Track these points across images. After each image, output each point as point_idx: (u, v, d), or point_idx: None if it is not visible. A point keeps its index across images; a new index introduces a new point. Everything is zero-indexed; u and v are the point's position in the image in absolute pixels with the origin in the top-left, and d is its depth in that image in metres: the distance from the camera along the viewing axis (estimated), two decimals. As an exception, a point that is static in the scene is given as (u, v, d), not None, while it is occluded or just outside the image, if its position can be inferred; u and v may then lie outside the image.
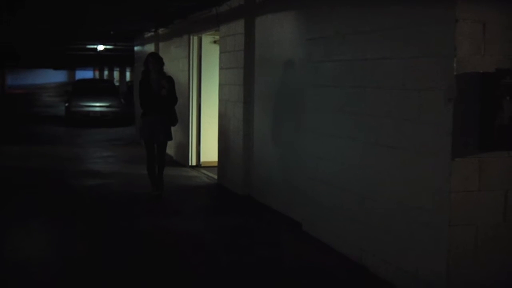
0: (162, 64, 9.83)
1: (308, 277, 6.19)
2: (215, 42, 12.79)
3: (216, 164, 11.70)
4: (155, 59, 9.78)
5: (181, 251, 7.05)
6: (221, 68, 11.14)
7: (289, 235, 7.72)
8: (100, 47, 23.81)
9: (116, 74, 48.16)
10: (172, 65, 14.77)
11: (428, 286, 5.37)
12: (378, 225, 6.11)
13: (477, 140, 5.11)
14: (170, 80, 9.77)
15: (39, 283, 5.95)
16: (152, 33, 17.19)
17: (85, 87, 27.01)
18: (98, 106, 24.72)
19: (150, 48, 17.67)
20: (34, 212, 8.81)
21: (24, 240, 7.41)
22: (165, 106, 9.68)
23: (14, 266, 6.40)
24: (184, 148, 13.69)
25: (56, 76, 54.73)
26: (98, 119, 24.45)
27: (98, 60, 36.58)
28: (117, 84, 40.81)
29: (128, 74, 44.80)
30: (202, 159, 13.44)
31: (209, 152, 13.00)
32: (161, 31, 16.36)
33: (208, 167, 12.87)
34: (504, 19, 5.14)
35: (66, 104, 25.33)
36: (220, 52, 11.18)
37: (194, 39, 13.31)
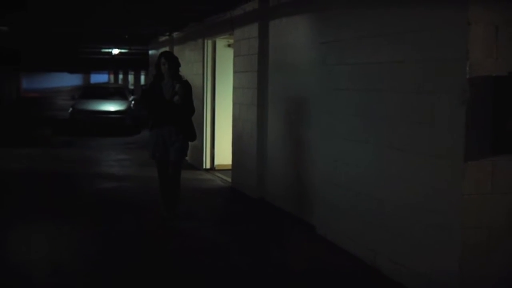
0: (178, 65, 8.27)
1: (321, 279, 6.24)
2: (229, 45, 12.85)
3: (230, 167, 11.76)
4: (169, 59, 8.15)
5: (194, 253, 7.09)
6: (235, 72, 11.20)
7: (303, 238, 7.76)
8: (115, 51, 23.98)
9: (130, 77, 48.36)
10: (187, 69, 14.81)
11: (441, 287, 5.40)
12: (392, 228, 6.14)
13: (490, 143, 5.13)
14: (186, 85, 8.09)
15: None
16: (167, 37, 17.29)
17: (92, 93, 24.94)
18: (102, 113, 22.37)
19: (164, 51, 17.76)
20: (48, 214, 8.90)
21: (45, 241, 7.50)
22: (179, 116, 8.09)
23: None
24: (198, 151, 13.75)
25: (71, 80, 55.05)
26: (102, 127, 22.13)
27: (113, 64, 36.81)
28: (131, 87, 40.98)
29: (142, 78, 44.98)
30: (216, 162, 13.50)
31: (224, 155, 13.05)
32: (175, 34, 16.45)
33: (223, 170, 12.92)
34: (516, 22, 5.17)
35: (69, 111, 23.46)
36: (234, 56, 11.24)
37: (209, 43, 13.38)
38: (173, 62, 8.16)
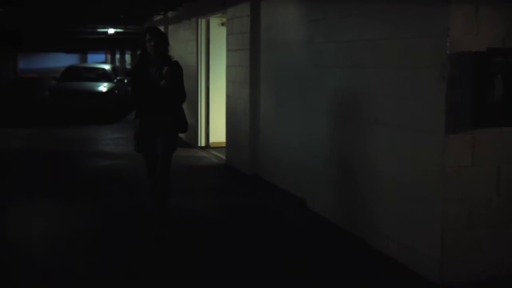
0: (166, 43, 6.90)
1: (310, 251, 6.43)
2: (222, 24, 12.97)
3: (225, 145, 11.92)
4: (155, 37, 6.69)
5: (189, 227, 7.29)
6: (228, 50, 11.33)
7: (292, 212, 7.96)
8: (111, 31, 24.03)
9: (128, 57, 48.38)
10: (181, 48, 14.99)
11: (425, 259, 5.57)
12: (377, 200, 6.33)
13: (470, 117, 5.29)
14: (176, 67, 6.75)
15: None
16: (162, 16, 17.38)
17: (73, 74, 22.34)
18: (80, 95, 20.05)
19: (159, 31, 17.85)
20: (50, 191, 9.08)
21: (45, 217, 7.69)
22: (168, 103, 6.74)
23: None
24: (193, 129, 13.90)
25: (68, 60, 54.97)
26: (82, 112, 19.89)
27: (109, 44, 36.84)
28: (128, 67, 40.95)
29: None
30: (211, 140, 13.68)
31: (218, 133, 13.20)
32: (170, 14, 16.54)
33: (217, 148, 13.09)
34: (495, 0, 5.31)
35: (46, 93, 21.23)
36: (227, 34, 11.37)
37: (202, 22, 13.50)
38: (161, 40, 6.74)
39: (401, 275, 5.71)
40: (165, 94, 6.62)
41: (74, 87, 20.49)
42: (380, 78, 6.22)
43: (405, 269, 5.76)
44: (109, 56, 54.48)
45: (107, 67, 24.27)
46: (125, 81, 21.61)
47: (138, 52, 7.12)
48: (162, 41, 6.78)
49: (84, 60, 57.11)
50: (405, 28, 5.80)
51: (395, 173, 6.00)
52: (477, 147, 5.36)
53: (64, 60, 50.23)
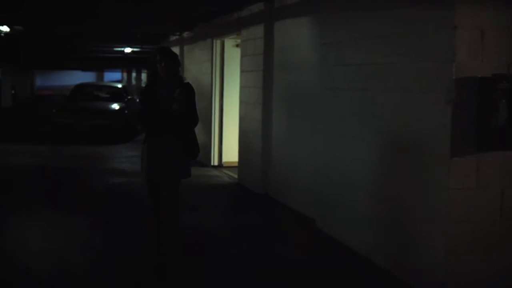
0: (177, 64, 6.56)
1: (317, 269, 6.54)
2: (237, 45, 13.15)
3: (237, 164, 12.07)
4: (166, 57, 6.40)
5: (197, 242, 7.41)
6: (242, 71, 11.51)
7: (302, 231, 8.08)
8: (127, 50, 24.29)
9: (144, 76, 48.66)
10: (196, 68, 15.22)
11: (429, 279, 5.68)
12: (384, 221, 6.45)
13: (475, 141, 5.42)
14: (188, 89, 6.44)
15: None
16: (177, 36, 17.60)
17: (83, 93, 21.86)
18: (87, 116, 19.16)
19: (175, 51, 18.07)
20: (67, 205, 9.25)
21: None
22: (179, 127, 6.37)
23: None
24: (206, 148, 14.07)
25: (85, 78, 55.24)
26: (87, 133, 19.24)
27: (125, 62, 37.14)
28: (144, 85, 41.09)
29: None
30: (224, 159, 13.83)
31: (231, 152, 13.33)
32: (186, 34, 16.76)
33: (230, 167, 13.22)
34: (501, 27, 5.45)
35: (53, 111, 20.09)
36: (241, 56, 11.55)
37: (217, 43, 13.69)
38: (172, 61, 6.43)
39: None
40: (177, 118, 6.28)
41: (81, 105, 19.87)
42: (388, 101, 6.36)
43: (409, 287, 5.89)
44: (125, 75, 54.84)
45: (118, 85, 23.76)
46: (137, 100, 20.87)
47: (148, 73, 6.77)
48: (173, 62, 6.44)
49: (101, 78, 57.47)
50: (413, 53, 5.94)
51: (399, 194, 6.12)
52: (481, 170, 5.48)
53: (80, 78, 50.51)
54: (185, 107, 6.28)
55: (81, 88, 22.60)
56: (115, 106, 19.82)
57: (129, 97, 21.52)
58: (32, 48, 24.22)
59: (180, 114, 6.27)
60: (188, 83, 6.62)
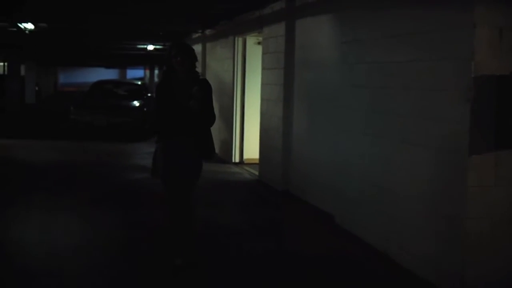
0: (194, 59, 6.24)
1: (335, 265, 6.62)
2: (259, 43, 13.21)
3: (258, 161, 12.16)
4: (183, 52, 6.13)
5: (218, 239, 7.52)
6: (263, 69, 11.59)
7: (321, 227, 8.16)
8: (150, 47, 24.45)
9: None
10: (218, 65, 15.33)
11: (447, 275, 5.73)
12: (402, 217, 6.50)
13: (493, 138, 5.46)
14: (205, 86, 6.20)
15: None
16: (200, 34, 17.70)
17: (101, 90, 21.63)
18: (105, 113, 18.90)
19: (197, 48, 18.18)
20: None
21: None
22: (196, 125, 6.16)
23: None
24: (228, 145, 14.19)
25: (108, 75, 55.73)
26: (105, 130, 18.95)
27: (148, 60, 37.37)
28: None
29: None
30: (245, 156, 13.94)
31: (252, 149, 13.42)
32: (208, 32, 16.86)
33: (251, 164, 13.33)
34: (520, 25, 5.49)
35: (71, 109, 19.61)
36: (263, 53, 11.63)
37: (239, 40, 13.78)
38: (188, 55, 6.14)
39: (423, 290, 5.89)
40: (193, 116, 6.05)
41: (99, 103, 19.63)
42: (408, 99, 6.42)
43: (426, 283, 5.93)
44: (148, 72, 55.15)
45: (137, 83, 23.50)
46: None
47: (163, 69, 6.14)
48: (190, 56, 6.15)
49: (124, 75, 57.84)
50: (432, 51, 5.99)
51: (420, 191, 6.18)
52: (499, 168, 5.52)
53: (103, 75, 50.92)
54: (202, 104, 6.03)
55: (99, 85, 22.31)
56: (134, 103, 19.66)
57: (148, 94, 21.44)
58: (55, 45, 24.45)
59: (197, 112, 6.02)
60: (205, 79, 6.43)
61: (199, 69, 6.82)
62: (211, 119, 6.28)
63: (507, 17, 5.46)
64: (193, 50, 6.29)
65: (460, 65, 5.53)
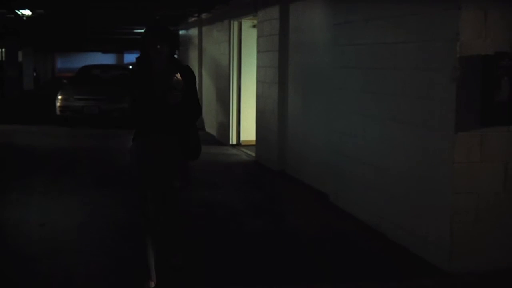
0: (175, 45, 5.37)
1: (331, 242, 6.85)
2: (254, 26, 13.37)
3: (255, 143, 12.37)
4: (161, 37, 5.16)
5: (217, 219, 7.74)
6: (258, 52, 11.77)
7: (316, 205, 8.38)
8: (147, 31, 24.52)
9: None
10: (214, 48, 15.50)
11: (436, 249, 5.95)
12: (394, 194, 6.71)
13: (479, 116, 5.66)
14: (188, 74, 5.29)
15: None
16: (196, 18, 17.84)
17: (88, 75, 20.36)
18: (97, 99, 17.90)
19: (194, 32, 18.38)
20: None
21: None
22: (177, 121, 5.26)
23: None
24: (225, 127, 14.39)
25: (105, 60, 55.87)
26: (97, 118, 18.06)
27: (145, 44, 37.44)
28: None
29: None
30: (242, 138, 14.14)
31: (249, 131, 13.63)
32: (204, 15, 16.99)
33: (248, 145, 13.53)
34: (504, 7, 5.66)
35: (58, 97, 18.30)
36: (258, 36, 11.81)
37: (235, 24, 13.94)
38: (169, 40, 5.20)
39: (413, 263, 6.09)
40: (175, 109, 5.14)
41: (89, 89, 18.42)
42: (398, 79, 6.62)
43: (418, 258, 6.14)
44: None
45: (127, 66, 22.18)
46: None
47: (138, 56, 5.33)
48: (171, 42, 5.23)
49: (121, 59, 57.96)
50: (420, 32, 6.18)
51: (409, 168, 6.39)
52: (485, 144, 5.72)
53: (101, 60, 51.08)
54: (184, 96, 5.12)
55: (87, 70, 21.19)
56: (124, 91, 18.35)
57: None
58: (52, 31, 24.57)
59: (179, 104, 5.10)
60: (187, 66, 5.52)
61: (193, 55, 6.53)
62: (196, 113, 5.43)
63: (492, -1, 5.66)
64: (174, 34, 5.43)
65: (446, 45, 5.72)
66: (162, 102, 5.10)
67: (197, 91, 5.61)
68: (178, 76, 5.10)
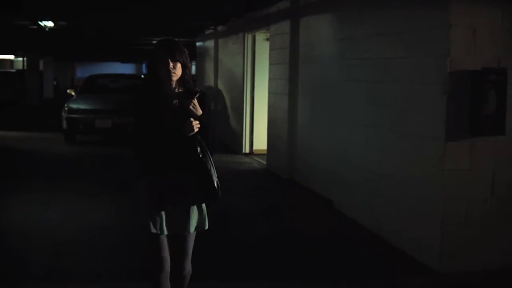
0: (187, 63, 4.39)
1: (331, 244, 7.32)
2: (267, 39, 13.83)
3: (266, 152, 12.86)
4: (173, 54, 4.32)
5: (229, 222, 8.18)
6: (270, 64, 12.26)
7: (320, 211, 8.86)
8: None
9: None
10: (229, 60, 16.02)
11: (428, 250, 6.38)
12: (391, 200, 7.16)
13: (467, 127, 6.10)
14: (203, 101, 4.39)
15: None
16: (212, 30, 18.34)
17: (98, 85, 18.51)
18: (108, 112, 15.97)
19: (210, 44, 18.89)
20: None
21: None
22: (192, 155, 4.31)
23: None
24: (238, 136, 14.87)
25: (124, 69, 56.53)
26: (109, 132, 16.25)
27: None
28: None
29: (193, 68, 46.07)
30: (255, 147, 14.62)
31: (261, 140, 14.07)
32: (220, 28, 17.48)
33: (260, 154, 14.00)
34: (492, 25, 6.11)
35: (65, 108, 16.41)
36: (270, 49, 12.31)
37: (249, 37, 14.44)
38: (183, 59, 4.35)
39: (408, 264, 6.54)
40: (188, 142, 4.29)
41: (101, 100, 16.68)
42: (395, 92, 7.08)
43: (412, 260, 6.58)
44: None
45: (139, 75, 19.95)
46: None
47: (146, 76, 4.68)
48: (184, 61, 4.37)
49: (140, 70, 58.59)
50: (415, 48, 6.66)
51: (405, 175, 6.84)
52: (473, 153, 6.16)
53: (119, 70, 51.72)
54: (203, 128, 4.31)
55: (96, 79, 19.32)
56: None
57: None
58: (73, 41, 25.14)
59: (192, 135, 4.28)
60: (203, 91, 4.51)
61: (209, 66, 5.52)
62: (214, 144, 4.59)
63: (481, 17, 6.10)
64: (185, 51, 4.42)
65: (438, 61, 6.18)
66: (174, 133, 4.26)
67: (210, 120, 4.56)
68: (195, 101, 4.30)
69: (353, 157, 8.26)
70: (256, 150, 14.51)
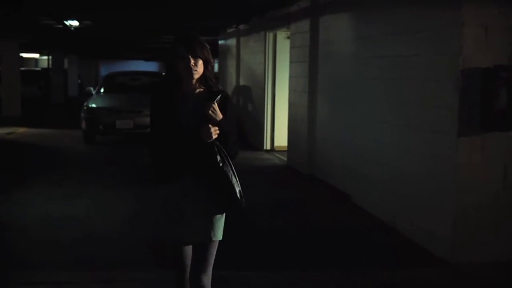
0: (209, 59, 4.06)
1: (346, 236, 7.57)
2: (288, 38, 14.04)
3: (287, 148, 13.11)
4: (193, 50, 3.97)
5: (251, 217, 8.37)
6: (291, 62, 12.50)
7: (338, 205, 9.10)
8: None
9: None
10: (251, 58, 16.27)
11: (441, 242, 6.60)
12: (406, 193, 7.38)
13: (479, 123, 6.30)
14: (225, 102, 4.07)
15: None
16: (234, 29, 18.58)
17: (118, 83, 17.86)
18: (130, 112, 15.42)
19: (232, 42, 19.14)
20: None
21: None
22: (212, 160, 4.00)
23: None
24: (260, 133, 15.12)
25: (147, 67, 56.82)
26: (131, 134, 15.71)
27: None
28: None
29: (216, 66, 46.24)
30: (276, 143, 14.89)
31: (282, 137, 14.30)
32: (242, 27, 17.73)
33: (281, 151, 14.25)
34: (503, 23, 6.31)
35: (84, 108, 15.86)
36: (290, 48, 12.54)
37: (270, 35, 14.68)
38: (203, 55, 4.01)
39: (420, 255, 6.77)
40: (207, 148, 3.99)
41: (122, 100, 16.09)
42: (410, 89, 7.30)
43: (425, 251, 6.82)
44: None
45: (160, 73, 20.06)
46: None
47: (164, 75, 3.83)
48: (206, 58, 4.04)
49: (163, 68, 58.95)
50: (429, 46, 6.87)
51: (419, 169, 7.06)
52: (485, 148, 6.36)
53: (143, 67, 52.09)
54: (224, 133, 4.01)
55: (113, 78, 18.48)
56: None
57: None
58: (98, 40, 25.51)
59: (212, 141, 3.98)
60: (225, 92, 4.18)
61: (231, 63, 5.23)
62: (234, 150, 4.17)
63: (492, 16, 6.30)
64: (206, 46, 4.08)
65: (451, 59, 6.39)
66: (194, 137, 3.97)
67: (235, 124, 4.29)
68: (215, 106, 3.98)
69: (369, 152, 8.49)
70: (277, 146, 14.76)
